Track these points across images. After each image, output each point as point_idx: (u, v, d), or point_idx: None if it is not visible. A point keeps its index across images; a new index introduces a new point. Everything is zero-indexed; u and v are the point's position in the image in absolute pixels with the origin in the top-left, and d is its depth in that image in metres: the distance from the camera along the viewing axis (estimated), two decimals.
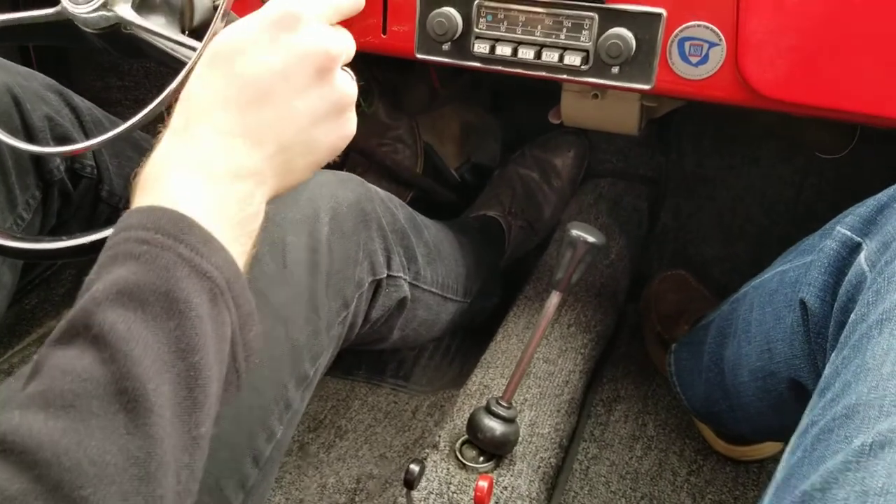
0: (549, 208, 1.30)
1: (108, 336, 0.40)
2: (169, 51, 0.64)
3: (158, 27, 0.63)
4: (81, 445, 0.37)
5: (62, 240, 0.59)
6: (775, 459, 1.01)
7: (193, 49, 0.61)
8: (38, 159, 0.83)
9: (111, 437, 0.38)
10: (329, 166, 0.70)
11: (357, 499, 0.99)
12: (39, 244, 0.60)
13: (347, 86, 0.54)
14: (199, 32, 0.65)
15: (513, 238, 1.25)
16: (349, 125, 0.55)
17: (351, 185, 0.81)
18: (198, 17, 0.66)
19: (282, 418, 0.70)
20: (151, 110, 0.57)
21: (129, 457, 0.38)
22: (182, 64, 0.57)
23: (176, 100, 0.51)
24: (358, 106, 0.57)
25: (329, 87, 0.52)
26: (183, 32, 0.66)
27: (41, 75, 0.88)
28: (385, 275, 0.83)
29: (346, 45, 0.53)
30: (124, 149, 0.93)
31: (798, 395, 0.74)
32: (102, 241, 0.47)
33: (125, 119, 0.60)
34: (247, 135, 0.49)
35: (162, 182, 0.46)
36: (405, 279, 0.87)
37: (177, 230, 0.44)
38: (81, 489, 0.36)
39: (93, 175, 0.89)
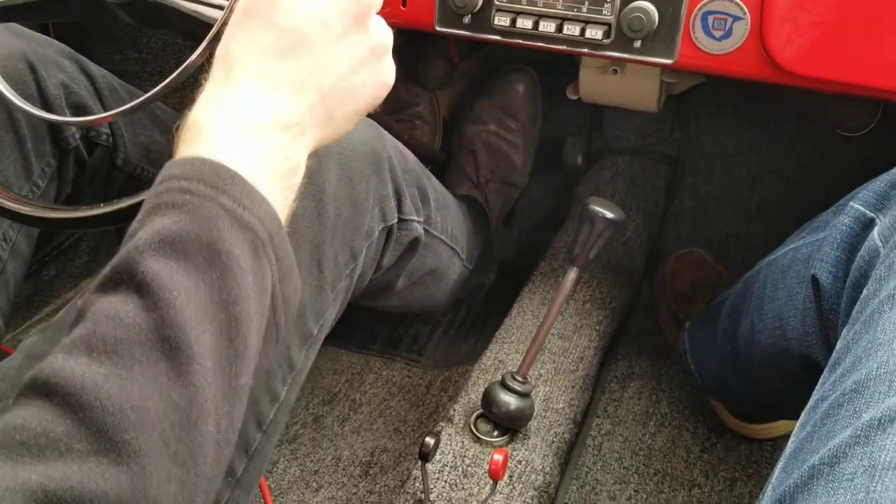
0: (517, 155, 1.25)
1: (152, 284, 0.40)
2: (194, 14, 0.64)
3: None
4: (124, 390, 0.38)
5: (98, 207, 0.59)
6: (789, 437, 1.01)
7: (220, 8, 0.60)
8: (53, 127, 0.82)
9: (153, 383, 0.38)
10: None
11: (371, 471, 1.00)
12: (75, 213, 0.60)
13: (384, 32, 0.53)
14: None
15: (492, 205, 1.21)
16: (389, 72, 0.54)
17: (360, 127, 0.77)
18: None
19: (285, 380, 0.69)
20: (173, 80, 0.57)
21: (171, 403, 0.39)
22: (209, 27, 0.57)
23: (206, 61, 0.51)
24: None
25: (366, 34, 0.52)
26: None
27: (57, 42, 0.87)
28: (396, 219, 0.80)
29: None
30: (139, 116, 0.92)
31: (810, 371, 0.74)
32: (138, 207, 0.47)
33: (144, 91, 0.60)
34: (287, 85, 0.48)
35: (204, 133, 0.46)
36: (418, 221, 0.84)
37: (219, 181, 0.44)
38: (124, 433, 0.37)
39: (108, 143, 0.89)
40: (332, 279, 0.72)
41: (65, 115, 0.82)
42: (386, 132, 0.81)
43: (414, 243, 0.86)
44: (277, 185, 0.47)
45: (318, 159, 0.69)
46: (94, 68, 0.88)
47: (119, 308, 0.40)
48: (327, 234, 0.70)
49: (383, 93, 0.54)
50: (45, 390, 0.38)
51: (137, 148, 0.91)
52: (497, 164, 1.24)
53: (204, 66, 0.53)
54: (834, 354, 0.57)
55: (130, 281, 0.41)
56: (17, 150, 0.79)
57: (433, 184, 0.91)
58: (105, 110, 0.87)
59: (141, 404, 0.38)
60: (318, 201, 0.70)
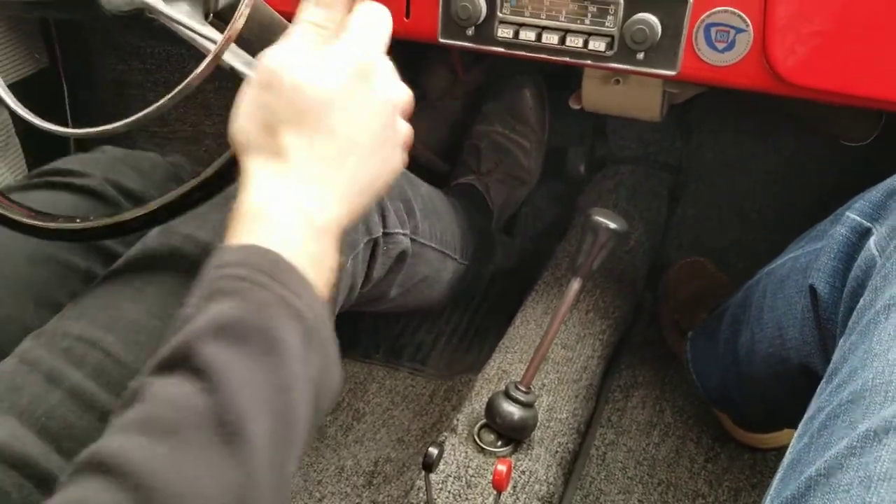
0: (524, 155, 1.27)
1: (209, 368, 0.41)
2: (189, 41, 0.64)
3: (182, 14, 0.63)
4: (182, 473, 0.38)
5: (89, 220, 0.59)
6: None
7: (214, 42, 0.61)
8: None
9: (211, 467, 0.39)
10: None
11: (375, 481, 1.00)
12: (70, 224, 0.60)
13: (405, 126, 0.57)
14: (222, 16, 0.65)
15: (494, 196, 1.22)
16: (401, 162, 0.57)
17: None
18: (222, 0, 0.66)
19: None
20: (168, 101, 0.58)
21: (228, 490, 0.39)
22: (202, 55, 0.58)
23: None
24: None
25: (395, 132, 0.55)
26: (207, 16, 0.66)
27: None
28: (381, 233, 0.81)
29: (408, 91, 0.56)
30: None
31: (809, 381, 0.74)
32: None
33: (147, 103, 0.60)
34: (336, 188, 0.51)
35: (261, 221, 0.48)
36: (404, 234, 0.85)
37: (277, 271, 0.45)
38: None
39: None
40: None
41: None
42: None
43: (402, 256, 0.87)
44: (321, 280, 0.49)
45: None
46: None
47: (176, 391, 0.40)
48: None
49: (393, 180, 0.57)
50: (102, 469, 0.38)
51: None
52: (502, 159, 1.25)
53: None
54: (831, 365, 0.58)
55: (187, 364, 0.41)
56: None
57: (420, 192, 0.92)
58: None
59: (200, 490, 0.38)
60: None
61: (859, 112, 1.02)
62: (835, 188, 1.24)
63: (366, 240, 0.79)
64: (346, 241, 0.75)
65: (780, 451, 1.01)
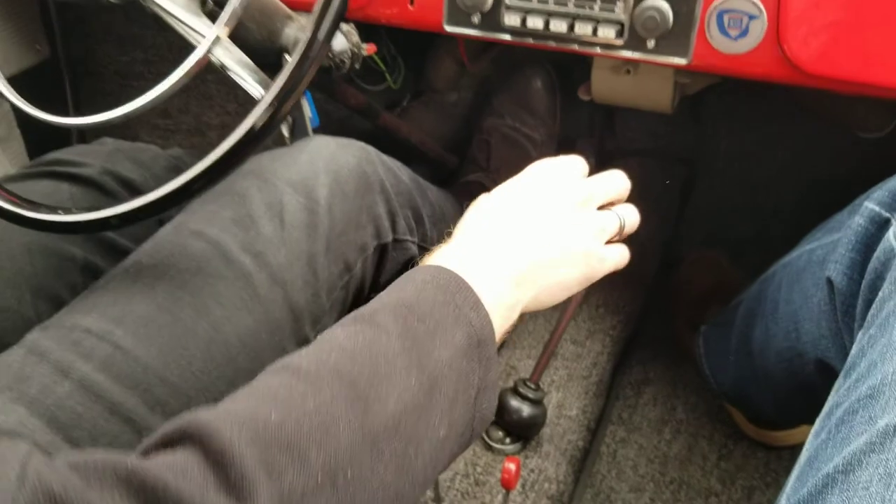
0: (535, 148, 1.24)
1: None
2: (183, 34, 0.63)
3: (176, 4, 0.62)
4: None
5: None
6: None
7: (203, 37, 0.60)
8: None
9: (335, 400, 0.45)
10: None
11: None
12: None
13: (608, 250, 0.68)
14: (213, 15, 0.64)
15: None
16: (582, 274, 0.65)
17: (351, 150, 0.78)
18: None
19: None
20: (163, 93, 0.57)
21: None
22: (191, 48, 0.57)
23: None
24: (383, 80, 0.58)
25: (598, 260, 0.66)
26: (204, 4, 0.64)
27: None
28: (391, 238, 0.81)
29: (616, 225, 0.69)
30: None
31: (825, 376, 0.73)
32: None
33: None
34: (532, 287, 0.59)
35: (464, 259, 0.56)
36: (412, 241, 0.85)
37: (458, 294, 0.53)
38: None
39: None
40: (328, 287, 0.72)
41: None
42: (377, 156, 0.82)
43: (410, 263, 0.86)
44: (502, 326, 0.56)
45: (315, 179, 0.73)
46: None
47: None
48: (321, 245, 0.71)
49: (575, 289, 0.65)
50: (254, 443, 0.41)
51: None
52: (512, 154, 1.23)
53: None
54: (849, 359, 0.56)
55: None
56: None
57: (429, 198, 0.91)
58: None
59: None
60: (312, 214, 0.71)
61: (876, 103, 1.00)
62: (851, 181, 1.22)
63: (375, 244, 0.79)
64: (357, 242, 0.76)
65: (795, 448, 0.99)
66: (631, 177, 1.28)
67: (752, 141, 1.27)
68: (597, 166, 1.33)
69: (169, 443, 0.41)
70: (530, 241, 0.59)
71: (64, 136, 1.23)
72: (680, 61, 0.74)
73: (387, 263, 0.82)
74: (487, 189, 1.19)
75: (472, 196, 1.15)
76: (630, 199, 1.22)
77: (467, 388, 0.50)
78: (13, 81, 0.65)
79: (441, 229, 0.93)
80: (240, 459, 0.38)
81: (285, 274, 0.68)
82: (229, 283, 0.65)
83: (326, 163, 0.74)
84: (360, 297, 0.80)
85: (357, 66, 0.83)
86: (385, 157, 0.84)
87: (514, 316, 0.58)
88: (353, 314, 0.51)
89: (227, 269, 0.65)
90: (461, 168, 1.25)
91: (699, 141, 1.31)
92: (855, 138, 1.13)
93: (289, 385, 0.44)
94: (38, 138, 1.27)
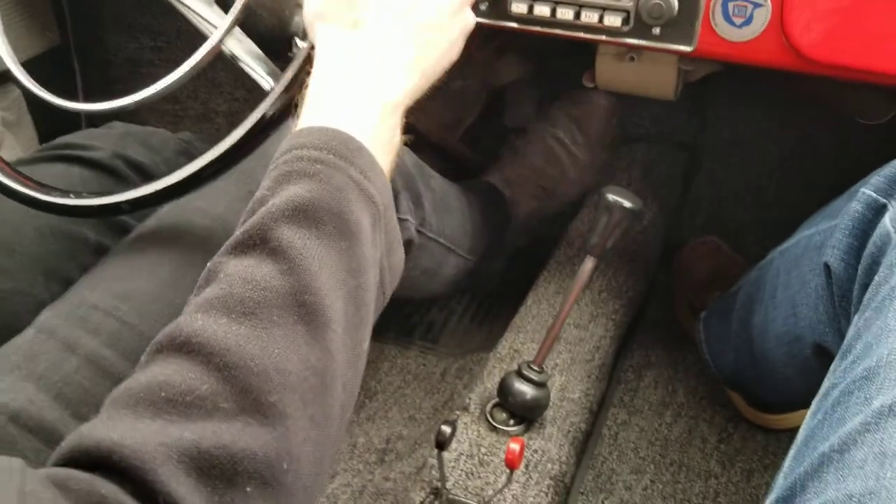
0: (574, 168, 1.24)
1: (287, 249, 0.41)
2: (194, 23, 0.64)
3: None
4: (266, 352, 0.38)
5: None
6: None
7: (215, 27, 0.60)
8: None
9: (292, 346, 0.39)
10: None
11: (387, 458, 1.00)
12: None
13: (471, 16, 0.60)
14: (224, 4, 0.65)
15: (521, 208, 1.18)
16: (460, 48, 0.60)
17: None
18: None
19: None
20: (176, 81, 0.58)
21: (309, 367, 0.40)
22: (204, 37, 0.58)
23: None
24: None
25: (464, 21, 0.58)
26: None
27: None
28: None
29: None
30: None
31: (823, 359, 0.74)
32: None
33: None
34: (402, 67, 0.52)
35: (333, 103, 0.49)
36: (412, 222, 0.86)
37: (349, 153, 0.46)
38: (269, 394, 0.38)
39: None
40: None
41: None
42: None
43: (408, 245, 0.87)
44: (387, 160, 0.50)
45: None
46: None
47: (255, 271, 0.41)
48: None
49: (449, 66, 0.59)
50: (186, 349, 0.38)
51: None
52: (546, 166, 1.21)
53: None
54: (845, 341, 0.57)
55: (264, 245, 0.42)
56: None
57: (432, 185, 0.92)
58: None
59: (282, 366, 0.38)
60: None
61: (878, 90, 1.01)
62: (852, 168, 1.22)
63: None
64: None
65: (793, 431, 1.00)
66: (634, 162, 1.30)
67: (754, 128, 1.27)
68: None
69: (78, 465, 0.36)
70: (414, 46, 0.54)
71: (73, 122, 1.24)
72: (685, 49, 0.75)
73: None
74: (501, 194, 1.19)
75: (482, 194, 1.16)
76: (633, 184, 1.24)
77: (375, 267, 0.47)
78: (24, 67, 0.66)
79: (442, 218, 0.94)
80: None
81: None
82: None
83: None
84: None
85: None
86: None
87: (398, 146, 0.53)
88: (246, 236, 0.43)
89: None
90: (489, 162, 1.24)
91: (702, 128, 1.31)
92: (856, 125, 1.14)
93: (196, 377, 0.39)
94: (48, 124, 1.28)
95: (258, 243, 0.42)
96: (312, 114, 0.49)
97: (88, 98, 1.34)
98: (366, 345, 0.46)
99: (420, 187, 0.88)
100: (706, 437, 1.00)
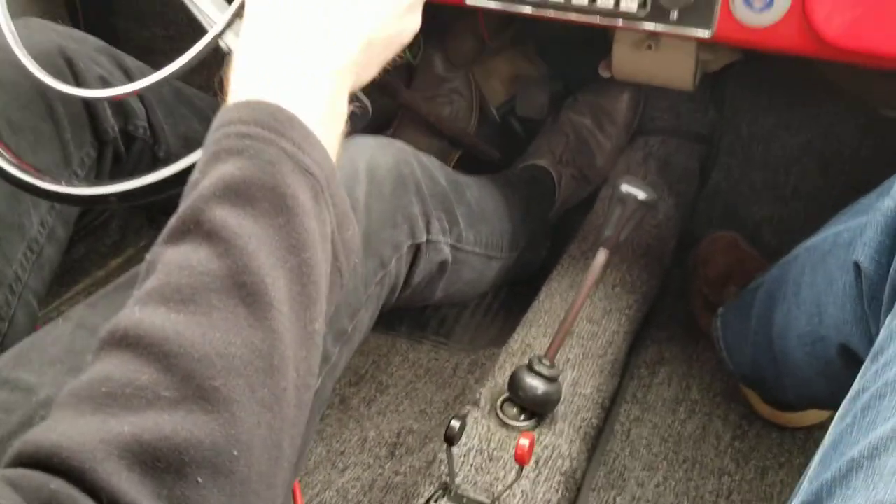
0: (602, 156, 1.27)
1: (221, 231, 0.40)
2: (194, 13, 0.63)
3: None
4: (207, 337, 0.37)
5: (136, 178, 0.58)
6: (822, 427, 0.98)
7: (214, 23, 0.59)
8: (93, 117, 0.83)
9: (234, 329, 0.38)
10: (379, 127, 0.69)
11: (397, 452, 0.99)
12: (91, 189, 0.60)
13: None
14: None
15: (563, 188, 1.23)
16: (418, 20, 0.56)
17: (390, 150, 0.80)
18: None
19: (320, 370, 0.70)
20: (187, 62, 0.57)
21: (254, 349, 0.38)
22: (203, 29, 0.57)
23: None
24: (401, 57, 0.57)
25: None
26: None
27: (93, 38, 0.88)
28: (424, 239, 0.83)
29: None
30: (178, 107, 0.93)
31: (848, 361, 0.72)
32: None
33: None
34: (337, 32, 0.49)
35: (260, 75, 0.46)
36: (446, 242, 0.87)
37: (278, 124, 0.43)
38: (212, 380, 0.37)
39: (146, 136, 0.90)
40: (365, 282, 0.74)
41: (104, 111, 0.83)
42: (414, 157, 0.83)
43: (443, 266, 0.88)
44: (327, 131, 0.47)
45: (354, 178, 0.73)
46: (129, 62, 0.89)
47: (190, 257, 0.40)
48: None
49: (410, 39, 0.56)
50: (125, 342, 0.37)
51: (178, 139, 0.92)
52: (580, 155, 1.25)
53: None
54: (876, 344, 0.55)
55: (198, 229, 0.40)
56: (57, 139, 0.80)
57: (466, 198, 0.92)
58: (143, 104, 0.88)
59: (225, 351, 0.37)
60: (351, 210, 0.72)
61: None
62: (873, 161, 1.20)
63: (409, 243, 0.80)
64: (391, 241, 0.77)
65: (808, 430, 0.99)
66: (651, 154, 1.29)
67: (772, 121, 1.25)
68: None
69: (27, 468, 0.35)
70: (358, 27, 0.50)
71: None
72: (703, 34, 0.73)
73: (420, 263, 0.83)
74: (553, 179, 1.21)
75: (535, 181, 1.18)
76: (649, 177, 1.22)
77: (325, 241, 0.45)
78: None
79: (479, 229, 0.94)
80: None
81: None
82: None
83: (366, 162, 0.76)
84: (393, 293, 0.81)
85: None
86: (423, 158, 0.85)
87: (344, 119, 0.50)
88: (180, 221, 0.41)
89: None
90: (535, 147, 1.27)
91: (719, 120, 1.29)
92: (878, 117, 1.12)
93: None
94: None
95: (192, 228, 0.41)
96: (239, 86, 0.46)
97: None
98: (318, 324, 0.44)
99: (454, 204, 0.89)
100: (720, 434, 0.98)
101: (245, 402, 0.37)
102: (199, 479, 0.35)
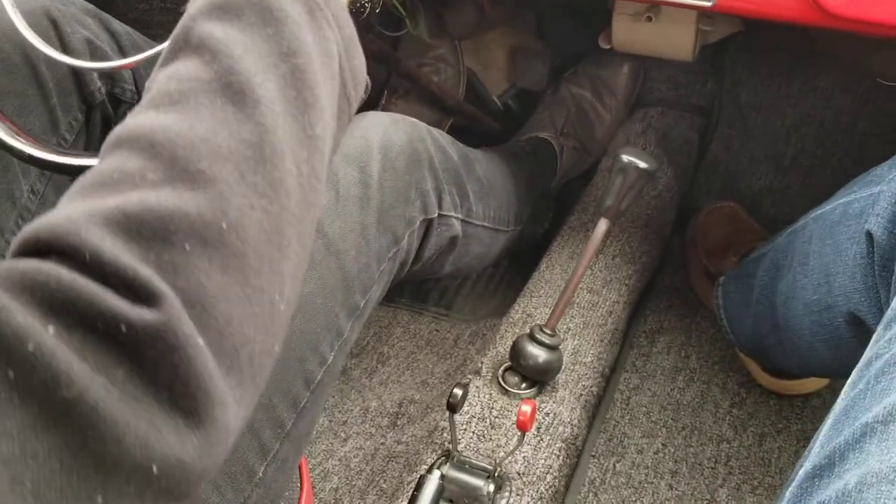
0: (602, 128, 1.28)
1: (208, 42, 0.41)
2: None
3: None
4: (193, 129, 0.38)
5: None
6: (819, 394, 1.00)
7: None
8: (79, 81, 0.83)
9: (222, 123, 0.39)
10: (368, 102, 0.69)
11: (399, 422, 1.01)
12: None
13: None
14: None
15: (565, 160, 1.23)
16: None
17: (403, 126, 0.80)
18: None
19: (332, 345, 0.71)
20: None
21: (242, 140, 0.39)
22: None
23: None
24: (403, 27, 0.57)
25: None
26: None
27: (79, 0, 0.87)
28: (436, 214, 0.83)
29: None
30: None
31: (855, 329, 0.73)
32: None
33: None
34: None
35: None
36: (457, 217, 0.87)
37: None
38: (198, 162, 0.38)
39: (133, 100, 0.89)
40: (378, 258, 0.75)
41: (91, 75, 0.82)
42: (427, 132, 0.84)
43: (454, 240, 0.89)
44: None
45: (368, 154, 0.75)
46: (117, 25, 0.88)
47: (179, 69, 0.41)
48: (373, 217, 0.74)
49: None
50: (115, 145, 0.39)
51: None
52: (581, 127, 1.26)
53: None
54: (889, 311, 0.55)
55: (187, 46, 0.42)
56: (43, 104, 0.80)
57: (475, 173, 0.93)
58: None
59: (212, 139, 0.38)
60: (365, 187, 0.74)
61: None
62: (872, 129, 1.20)
63: (422, 218, 0.81)
64: (405, 217, 0.78)
65: (806, 397, 1.00)
66: (650, 126, 1.29)
67: (772, 92, 1.25)
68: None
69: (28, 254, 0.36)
70: None
71: None
72: (704, 3, 0.73)
73: (431, 237, 0.84)
74: (554, 151, 1.22)
75: (538, 153, 1.18)
76: (648, 149, 1.23)
77: (328, 59, 0.45)
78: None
79: (488, 203, 0.95)
80: (124, 267, 0.34)
81: (339, 243, 0.71)
82: None
83: (380, 139, 0.77)
84: (404, 268, 0.82)
85: (377, 10, 0.83)
86: (436, 133, 0.86)
87: None
88: (171, 44, 0.43)
89: None
90: (536, 119, 1.27)
91: (719, 91, 1.29)
92: (876, 86, 1.12)
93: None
94: None
95: (182, 46, 0.42)
96: None
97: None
98: (319, 129, 0.44)
99: (465, 179, 0.90)
100: (718, 401, 1.00)
101: (234, 184, 0.38)
102: (187, 247, 0.36)
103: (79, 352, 0.32)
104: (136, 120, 0.39)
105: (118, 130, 0.40)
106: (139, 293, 0.34)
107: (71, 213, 0.35)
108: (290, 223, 0.41)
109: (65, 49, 0.81)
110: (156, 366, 0.33)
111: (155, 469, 0.33)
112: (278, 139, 0.40)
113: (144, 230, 0.35)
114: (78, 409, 0.31)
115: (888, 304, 0.57)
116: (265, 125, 0.40)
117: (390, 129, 0.79)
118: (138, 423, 0.33)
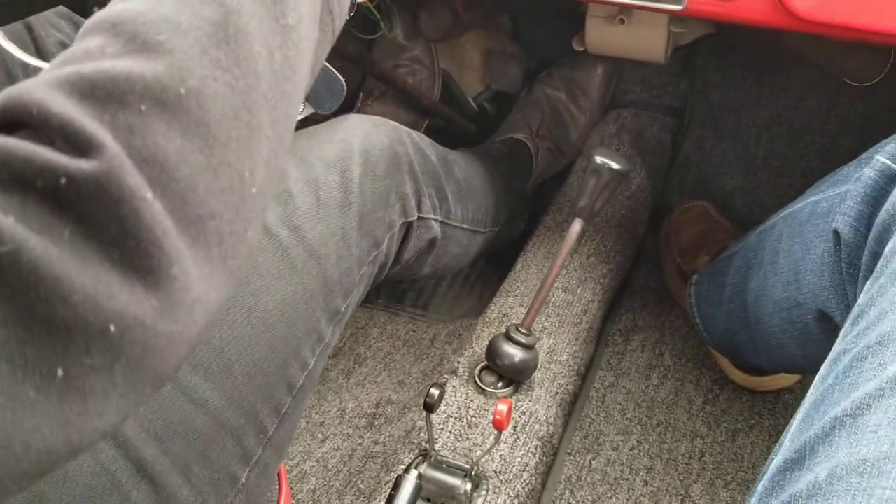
0: (576, 129, 1.29)
1: None
2: None
3: None
4: (156, 9, 0.38)
5: None
6: (791, 390, 1.01)
7: None
8: None
9: (184, 3, 0.39)
10: (345, 105, 0.70)
11: (376, 423, 1.01)
12: None
13: None
14: None
15: (540, 161, 1.24)
16: None
17: (384, 129, 0.81)
18: None
19: (314, 349, 0.71)
20: None
21: (203, 18, 0.39)
22: None
23: None
24: (378, 30, 0.57)
25: None
26: None
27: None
28: (416, 216, 0.84)
29: None
30: None
31: (824, 326, 0.74)
32: None
33: None
34: None
35: None
36: (436, 219, 0.88)
37: None
38: (157, 35, 0.37)
39: None
40: (359, 262, 0.75)
41: None
42: (407, 136, 0.84)
43: (432, 242, 0.89)
44: None
45: (349, 158, 0.75)
46: None
47: None
48: (353, 221, 0.74)
49: None
50: (82, 33, 0.39)
51: None
52: (556, 128, 1.27)
53: None
54: (856, 307, 0.57)
55: None
56: None
57: (454, 175, 0.94)
58: None
59: (173, 18, 0.38)
60: (346, 192, 0.74)
61: (868, 50, 1.01)
62: (841, 129, 1.23)
63: (402, 221, 0.82)
64: (385, 220, 0.78)
65: (778, 393, 1.02)
66: (624, 127, 1.30)
67: (743, 94, 1.27)
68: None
69: None
70: None
71: None
72: (675, 7, 0.74)
73: (410, 240, 0.85)
74: (530, 152, 1.23)
75: (514, 155, 1.19)
76: (622, 149, 1.24)
77: None
78: None
79: (466, 205, 0.96)
80: (70, 119, 0.33)
81: (320, 248, 0.71)
82: (268, 255, 0.67)
83: (360, 142, 0.77)
84: (383, 271, 0.82)
85: (351, 14, 0.83)
86: (416, 136, 0.86)
87: None
88: None
89: (266, 241, 0.67)
90: (511, 121, 1.28)
91: (691, 92, 1.31)
92: (845, 87, 1.14)
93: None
94: None
95: None
96: None
97: None
98: (292, 19, 0.42)
99: (444, 181, 0.90)
100: (692, 398, 1.01)
101: (194, 55, 0.37)
102: (143, 108, 0.35)
103: (19, 213, 0.31)
104: (103, 10, 0.39)
105: (86, 22, 0.39)
106: (81, 146, 0.33)
107: (28, 82, 0.35)
108: (260, 105, 0.40)
109: (39, 53, 0.81)
110: (101, 221, 0.32)
111: (112, 328, 0.32)
112: (243, 21, 0.40)
113: (98, 91, 0.34)
114: (16, 270, 0.30)
115: (855, 300, 0.58)
116: (228, 5, 0.39)
117: (371, 132, 0.79)
118: (83, 280, 0.31)
